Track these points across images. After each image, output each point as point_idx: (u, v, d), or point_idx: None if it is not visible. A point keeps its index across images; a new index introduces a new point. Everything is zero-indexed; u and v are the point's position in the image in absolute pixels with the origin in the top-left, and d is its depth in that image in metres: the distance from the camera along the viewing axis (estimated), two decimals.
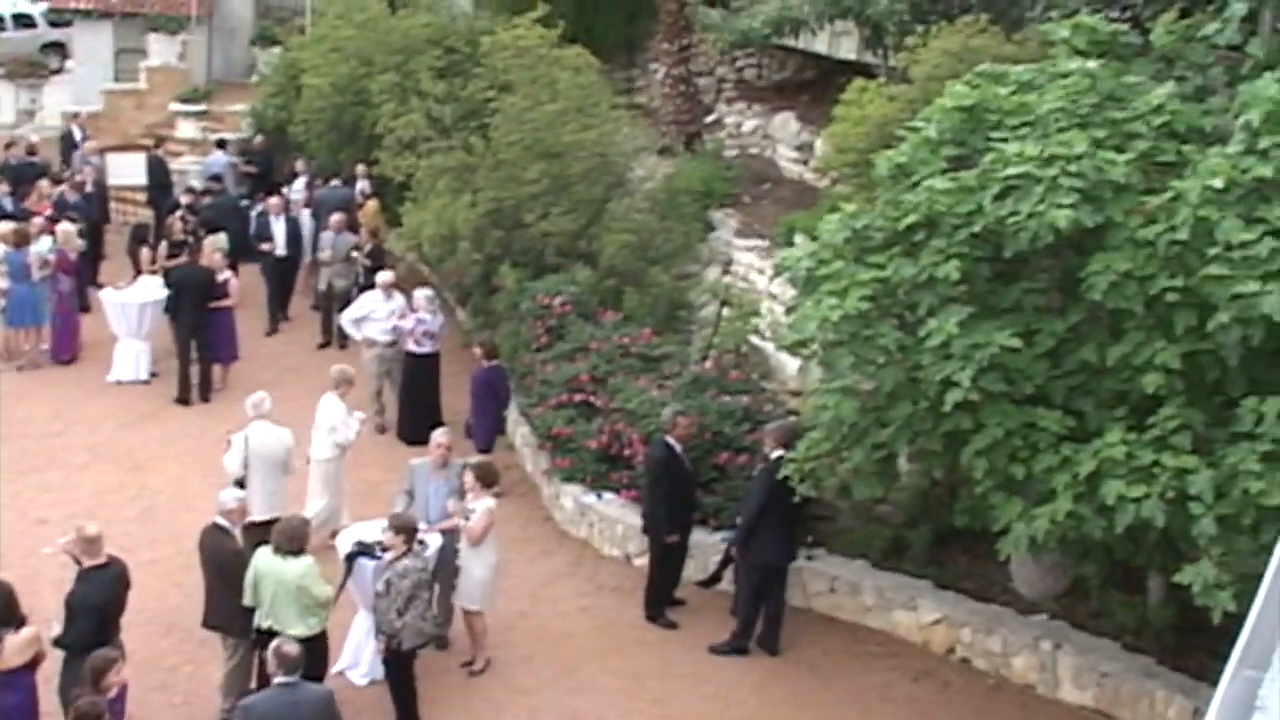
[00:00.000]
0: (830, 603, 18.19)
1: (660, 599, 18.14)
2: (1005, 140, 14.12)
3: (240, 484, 17.82)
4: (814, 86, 30.21)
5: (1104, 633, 16.54)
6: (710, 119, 31.06)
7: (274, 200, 28.74)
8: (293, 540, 14.81)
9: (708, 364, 20.98)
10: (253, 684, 15.27)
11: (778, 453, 16.92)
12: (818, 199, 25.00)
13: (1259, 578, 6.39)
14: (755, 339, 22.70)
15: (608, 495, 19.95)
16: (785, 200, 27.13)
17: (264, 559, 14.88)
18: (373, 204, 28.82)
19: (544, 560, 19.68)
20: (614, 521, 19.65)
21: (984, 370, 13.24)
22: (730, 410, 19.38)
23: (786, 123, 29.34)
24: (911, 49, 22.24)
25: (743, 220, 26.72)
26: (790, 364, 21.34)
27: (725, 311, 22.50)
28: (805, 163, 28.27)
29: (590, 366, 20.94)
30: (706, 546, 18.64)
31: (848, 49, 27.67)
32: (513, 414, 22.38)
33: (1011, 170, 13.49)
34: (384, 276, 23.77)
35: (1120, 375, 13.38)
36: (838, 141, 22.34)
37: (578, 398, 20.75)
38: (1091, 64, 14.89)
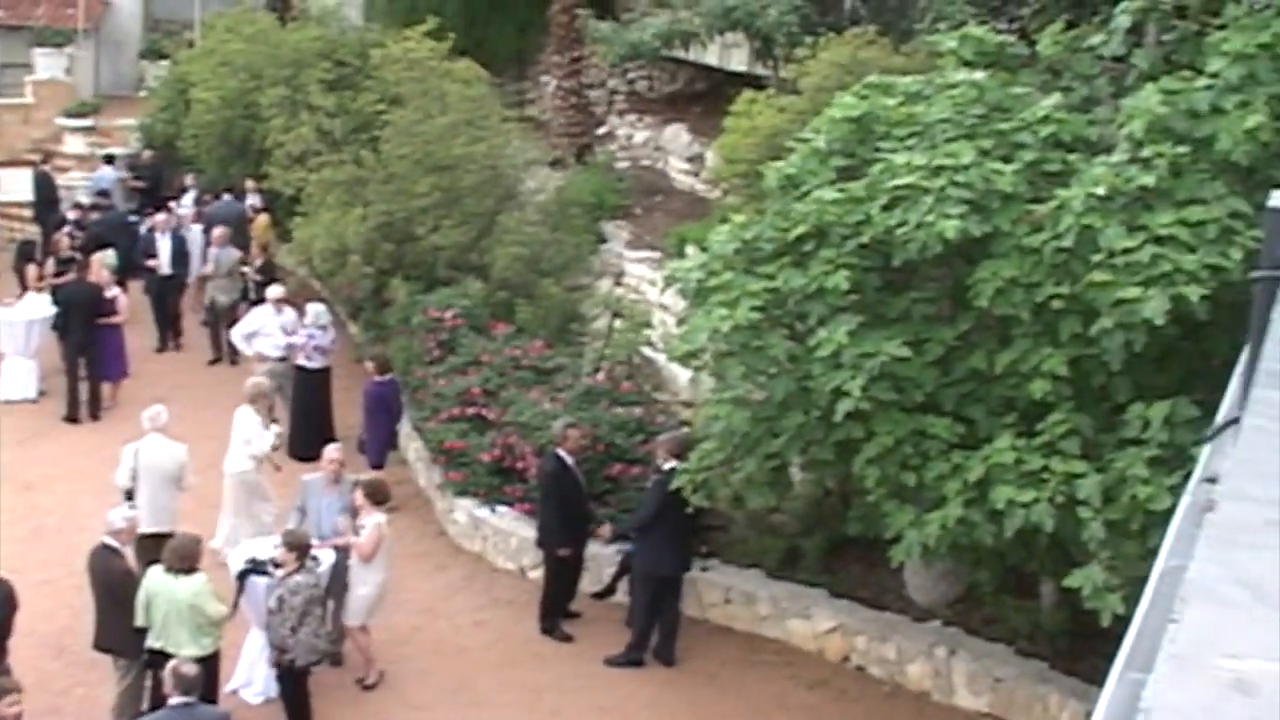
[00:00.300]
0: (725, 613, 18.20)
1: (555, 612, 18.07)
2: (893, 151, 14.17)
3: (130, 496, 17.62)
4: (705, 98, 30.24)
5: (997, 638, 16.65)
6: (601, 131, 31.03)
7: (160, 217, 28.22)
8: (184, 559, 14.61)
9: (600, 376, 20.96)
10: (145, 705, 15.07)
11: (670, 464, 16.91)
12: (709, 210, 25.01)
13: (1147, 581, 6.44)
14: (647, 350, 22.63)
15: (501, 508, 19.80)
16: (677, 212, 27.09)
17: (155, 578, 14.68)
18: (263, 218, 28.60)
19: (438, 574, 19.53)
20: (508, 535, 19.53)
21: (874, 379, 13.25)
22: (623, 422, 19.41)
23: (678, 134, 29.33)
24: (801, 61, 22.33)
25: (634, 232, 26.66)
26: (682, 375, 21.21)
27: (617, 323, 22.45)
28: (696, 174, 28.27)
29: (482, 380, 20.85)
30: (601, 558, 18.60)
31: (738, 61, 27.74)
32: (405, 428, 22.26)
33: (900, 181, 13.52)
34: (274, 291, 23.57)
35: (1009, 382, 13.45)
36: (727, 153, 22.38)
37: (470, 411, 20.63)
38: (979, 75, 14.94)
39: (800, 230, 14.03)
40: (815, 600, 17.71)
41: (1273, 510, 2.32)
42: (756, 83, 25.41)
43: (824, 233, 13.95)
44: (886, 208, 13.56)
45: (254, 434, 19.19)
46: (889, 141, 14.49)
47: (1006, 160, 13.72)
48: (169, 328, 27.63)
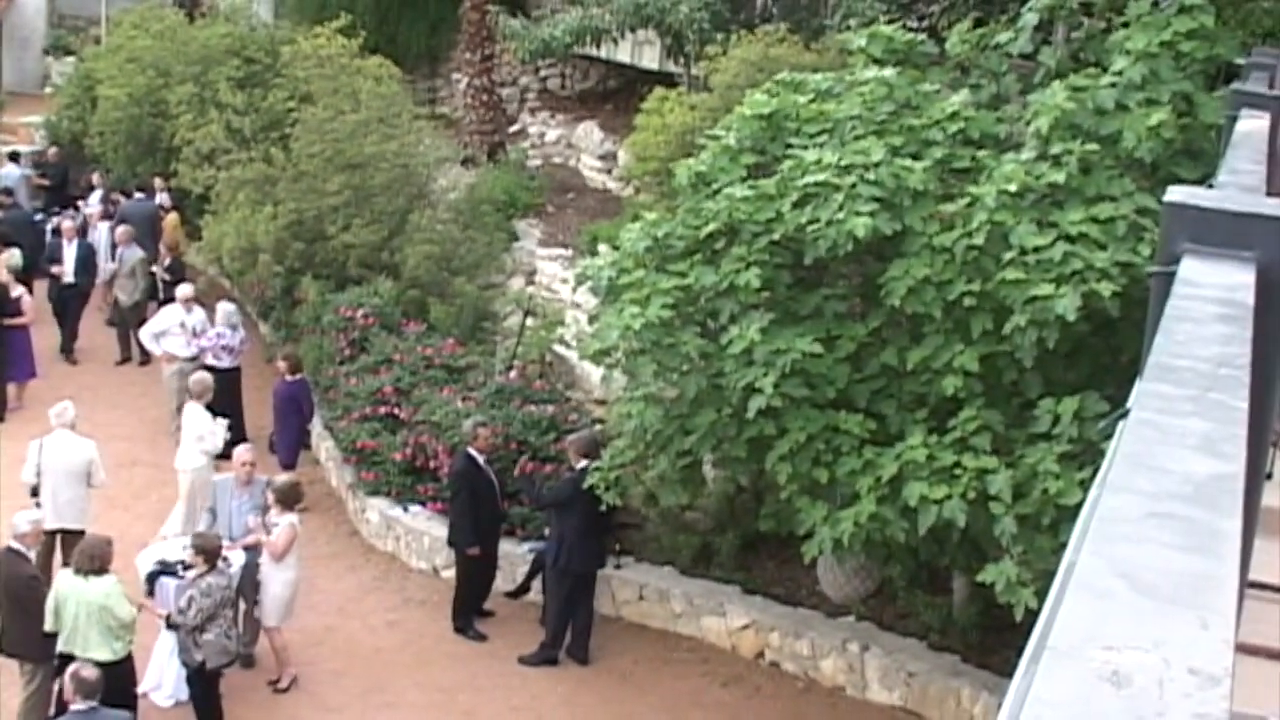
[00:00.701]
0: (640, 610, 18.25)
1: (468, 611, 18.05)
2: (804, 148, 14.25)
3: (35, 493, 17.62)
4: (617, 96, 30.38)
5: (910, 633, 16.79)
6: (514, 129, 31.04)
7: (67, 224, 27.44)
8: (94, 560, 14.48)
9: (512, 374, 20.93)
10: (53, 711, 14.92)
11: (582, 463, 16.95)
12: (621, 208, 25.09)
13: None
14: (559, 348, 22.69)
15: (414, 508, 19.80)
16: (589, 209, 27.18)
17: (65, 581, 14.56)
18: (173, 217, 28.38)
19: (351, 575, 19.46)
20: (421, 534, 19.50)
21: (786, 376, 13.31)
22: (535, 420, 19.37)
23: (590, 132, 29.43)
24: (712, 58, 22.43)
25: (546, 230, 26.70)
26: (595, 373, 21.08)
27: (529, 321, 22.57)
28: (609, 172, 28.40)
29: (394, 379, 20.80)
30: (514, 557, 18.60)
31: (650, 58, 27.85)
32: (317, 428, 22.16)
33: (810, 178, 13.60)
34: (183, 290, 23.41)
35: (920, 378, 13.57)
36: (639, 150, 22.45)
37: (382, 410, 20.59)
38: (888, 72, 15.08)
39: (711, 228, 14.10)
40: (729, 597, 17.78)
41: (1153, 503, 2.38)
42: (668, 80, 25.52)
43: (735, 230, 14.03)
44: (797, 205, 13.63)
45: (206, 430, 19.18)
46: (800, 139, 14.58)
47: (916, 157, 13.83)
48: (69, 340, 26.76)
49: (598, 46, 27.98)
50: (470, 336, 22.52)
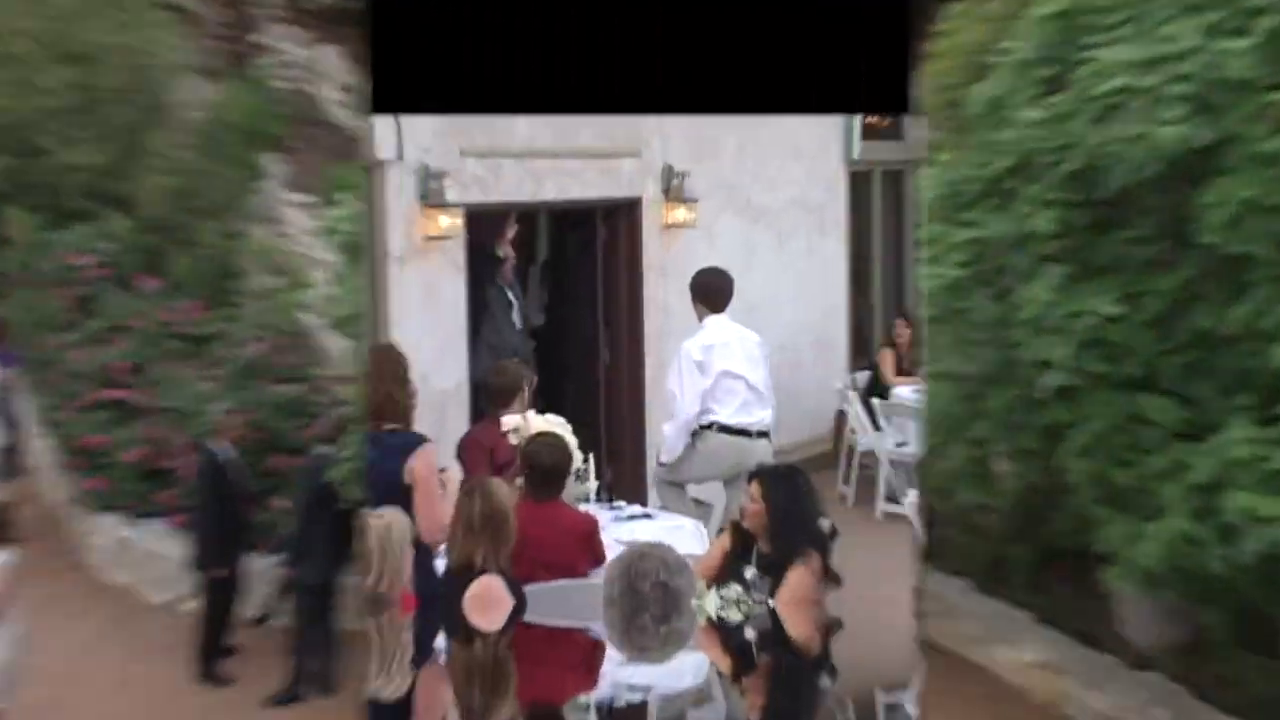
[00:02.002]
0: None
1: (209, 651, 15.82)
2: (1106, 45, 11.62)
3: None
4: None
5: (1234, 709, 12.98)
6: (256, 39, 27.56)
7: None
8: None
9: (259, 345, 18.44)
10: None
11: (321, 449, 15.81)
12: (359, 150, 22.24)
13: None
14: (302, 316, 19.82)
15: (148, 522, 17.28)
16: (333, 149, 24.09)
17: None
18: None
19: (75, 624, 16.66)
20: (161, 558, 16.88)
21: (1084, 346, 11.01)
22: (285, 401, 17.42)
23: (328, 57, 25.88)
24: None
25: (293, 170, 23.53)
26: (336, 348, 18.84)
27: (271, 281, 19.95)
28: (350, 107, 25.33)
29: (127, 352, 18.27)
30: (259, 576, 16.33)
31: None
32: (30, 424, 19.15)
33: (1108, 84, 11.11)
34: None
35: (1244, 347, 10.81)
36: (937, 80, 20.10)
37: (115, 394, 17.99)
38: None
39: (999, 165, 11.91)
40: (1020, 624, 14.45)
41: None
42: None
43: (1030, 164, 11.69)
44: (1097, 122, 11.17)
45: None
46: (1100, 35, 11.86)
47: (1239, 34, 11.05)
48: None
49: None
50: (216, 298, 19.68)
